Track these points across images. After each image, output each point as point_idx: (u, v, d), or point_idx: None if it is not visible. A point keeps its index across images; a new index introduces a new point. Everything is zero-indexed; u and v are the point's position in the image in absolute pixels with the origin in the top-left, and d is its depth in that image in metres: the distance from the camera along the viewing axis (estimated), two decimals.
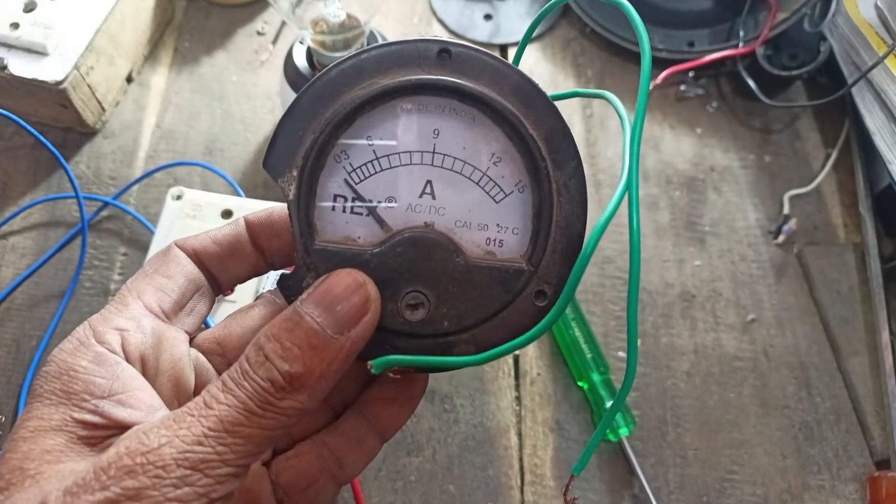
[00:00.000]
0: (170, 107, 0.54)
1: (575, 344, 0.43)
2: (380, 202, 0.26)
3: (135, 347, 0.24)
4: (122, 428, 0.22)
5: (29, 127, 0.45)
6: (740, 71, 0.53)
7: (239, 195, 0.48)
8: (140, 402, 0.23)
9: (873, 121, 0.48)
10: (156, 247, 0.43)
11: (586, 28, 0.57)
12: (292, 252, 0.26)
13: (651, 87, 0.53)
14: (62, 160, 0.46)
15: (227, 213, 0.43)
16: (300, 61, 0.46)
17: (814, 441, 0.42)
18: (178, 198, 0.44)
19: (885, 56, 0.46)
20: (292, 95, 0.47)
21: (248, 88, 0.55)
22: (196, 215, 0.43)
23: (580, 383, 0.43)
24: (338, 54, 0.45)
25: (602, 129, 0.53)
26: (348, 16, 0.44)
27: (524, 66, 0.59)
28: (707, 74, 0.55)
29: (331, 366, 0.23)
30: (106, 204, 0.49)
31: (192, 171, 0.50)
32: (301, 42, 0.47)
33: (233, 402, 0.22)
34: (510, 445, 0.42)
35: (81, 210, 0.47)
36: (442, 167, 0.26)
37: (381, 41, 0.43)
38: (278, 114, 0.52)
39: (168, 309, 0.26)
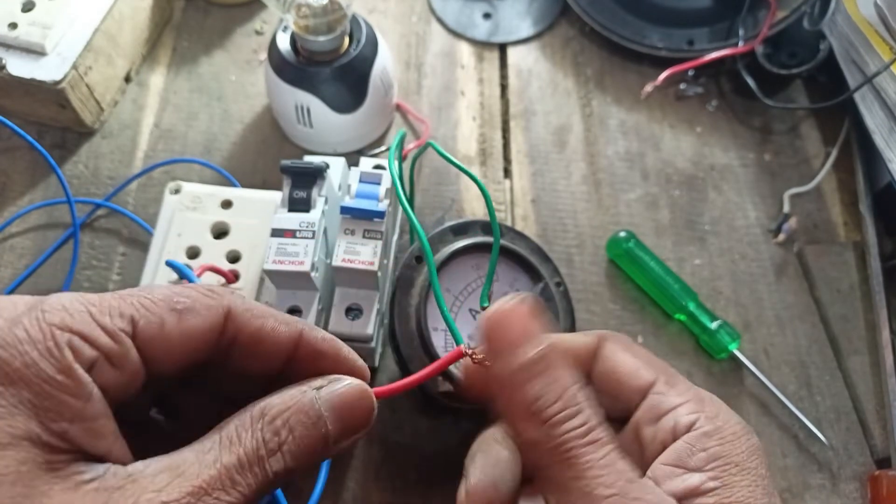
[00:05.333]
0: (168, 106, 0.53)
1: (660, 280, 0.45)
2: None
3: (107, 377, 0.21)
4: (82, 453, 0.20)
5: (23, 132, 0.45)
6: (740, 69, 0.53)
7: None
8: (107, 431, 0.21)
9: (873, 119, 0.48)
10: (157, 243, 0.43)
11: (585, 27, 0.57)
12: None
13: (651, 88, 0.53)
14: (55, 166, 0.46)
15: (226, 204, 0.43)
16: (284, 46, 0.47)
17: (814, 440, 0.42)
18: (177, 192, 0.44)
19: (891, 63, 0.46)
20: (277, 82, 0.47)
21: (247, 88, 0.55)
22: (196, 207, 0.43)
23: (677, 316, 0.45)
24: (321, 38, 0.45)
25: (602, 127, 0.53)
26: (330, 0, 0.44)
27: (524, 66, 0.59)
28: (707, 73, 0.55)
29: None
30: (98, 206, 0.48)
31: (190, 169, 0.50)
32: (284, 29, 0.47)
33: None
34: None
35: (73, 215, 0.46)
36: None
37: (365, 28, 0.44)
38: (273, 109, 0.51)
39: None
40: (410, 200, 0.42)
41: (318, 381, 0.24)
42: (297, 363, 0.25)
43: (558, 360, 0.25)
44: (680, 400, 0.27)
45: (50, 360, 0.20)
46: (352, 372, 0.25)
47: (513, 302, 0.25)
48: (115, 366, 0.21)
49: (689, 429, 0.26)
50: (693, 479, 0.24)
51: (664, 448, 0.26)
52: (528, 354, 0.25)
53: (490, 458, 0.27)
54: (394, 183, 0.34)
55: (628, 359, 0.28)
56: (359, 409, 0.24)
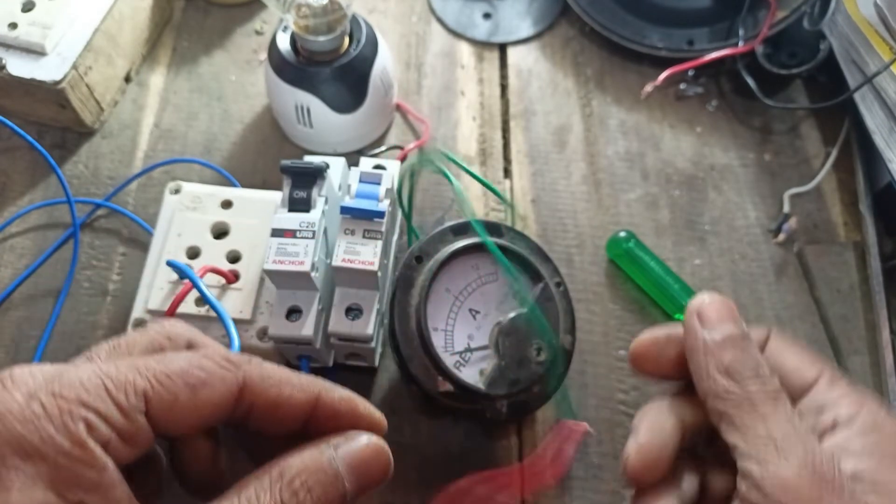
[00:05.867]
0: (168, 106, 0.54)
1: (660, 280, 0.45)
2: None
3: (120, 453, 0.22)
4: None
5: (23, 132, 0.45)
6: (740, 69, 0.53)
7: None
8: (122, 497, 0.22)
9: (873, 119, 0.48)
10: (157, 243, 0.43)
11: (585, 27, 0.57)
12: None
13: (651, 88, 0.53)
14: (55, 166, 0.46)
15: (226, 204, 0.43)
16: (284, 46, 0.47)
17: None
18: (177, 192, 0.44)
19: (891, 63, 0.46)
20: (277, 82, 0.47)
21: (247, 88, 0.55)
22: (196, 207, 0.43)
23: (677, 316, 0.45)
24: (321, 38, 0.45)
25: (602, 127, 0.53)
26: (330, 0, 0.44)
27: (524, 66, 0.59)
28: (707, 73, 0.55)
29: None
30: (98, 206, 0.49)
31: (190, 169, 0.50)
32: (284, 29, 0.47)
33: None
34: (510, 445, 0.42)
35: (73, 215, 0.47)
36: None
37: (365, 28, 0.44)
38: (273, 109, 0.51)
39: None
40: (410, 200, 0.42)
41: (335, 440, 0.25)
42: (315, 423, 0.26)
43: (753, 342, 0.29)
44: (842, 396, 0.28)
45: (65, 435, 0.21)
46: (370, 426, 0.26)
47: (721, 295, 0.30)
48: (128, 443, 0.22)
49: (849, 422, 0.27)
50: (849, 464, 0.26)
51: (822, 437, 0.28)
52: (736, 330, 0.29)
53: (658, 422, 0.29)
54: (405, 215, 0.34)
55: (794, 355, 0.30)
56: (376, 466, 0.25)
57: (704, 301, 0.30)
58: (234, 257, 0.42)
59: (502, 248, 0.39)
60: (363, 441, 0.25)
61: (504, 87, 0.56)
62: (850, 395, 0.28)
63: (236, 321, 0.38)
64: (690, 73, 0.55)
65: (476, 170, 0.52)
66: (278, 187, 0.39)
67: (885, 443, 0.27)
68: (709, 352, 0.29)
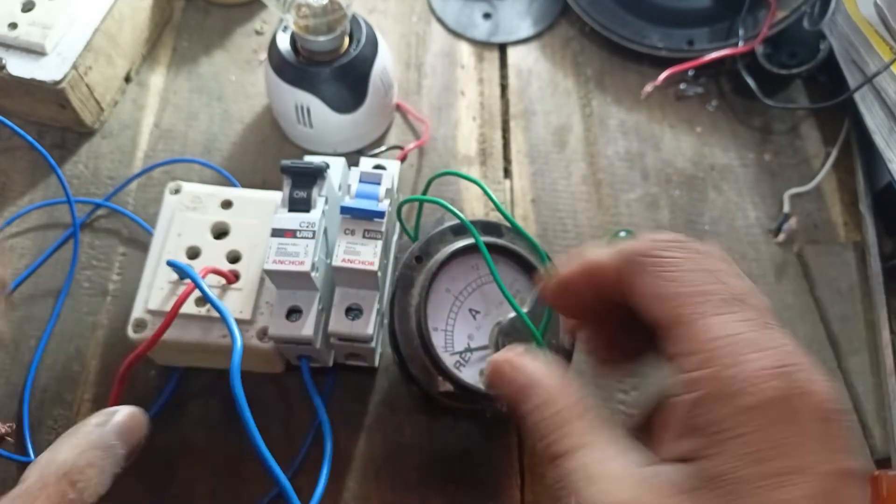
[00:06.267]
0: (168, 106, 0.54)
1: None
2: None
3: None
4: None
5: (23, 132, 0.45)
6: (740, 69, 0.53)
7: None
8: None
9: (873, 119, 0.48)
10: (157, 243, 0.42)
11: (585, 27, 0.57)
12: None
13: (651, 88, 0.53)
14: (55, 166, 0.46)
15: (226, 204, 0.43)
16: (284, 46, 0.47)
17: None
18: (177, 192, 0.44)
19: (891, 63, 0.46)
20: (277, 82, 0.47)
21: (247, 88, 0.55)
22: (196, 207, 0.43)
23: None
24: (321, 38, 0.45)
25: (602, 127, 0.53)
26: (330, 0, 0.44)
27: (524, 66, 0.59)
28: (707, 73, 0.55)
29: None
30: (98, 206, 0.49)
31: (190, 169, 0.50)
32: (284, 29, 0.47)
33: None
34: (510, 445, 0.42)
35: (73, 215, 0.47)
36: None
37: (365, 28, 0.44)
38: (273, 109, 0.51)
39: None
40: (416, 227, 0.43)
41: (96, 419, 0.29)
42: None
43: (541, 405, 0.25)
44: (690, 351, 0.22)
45: None
46: None
47: (503, 357, 0.27)
48: None
49: (689, 389, 0.22)
50: (680, 447, 0.22)
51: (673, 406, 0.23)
52: (523, 405, 0.26)
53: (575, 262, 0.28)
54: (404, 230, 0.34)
55: (650, 288, 0.24)
56: (138, 425, 0.29)
57: (490, 371, 0.27)
58: (234, 257, 0.42)
59: (502, 249, 0.39)
60: (125, 411, 0.29)
61: (504, 87, 0.56)
62: (694, 352, 0.22)
63: (236, 321, 0.38)
64: (690, 73, 0.55)
65: (476, 170, 0.52)
66: (278, 187, 0.39)
67: (720, 413, 0.21)
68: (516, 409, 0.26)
